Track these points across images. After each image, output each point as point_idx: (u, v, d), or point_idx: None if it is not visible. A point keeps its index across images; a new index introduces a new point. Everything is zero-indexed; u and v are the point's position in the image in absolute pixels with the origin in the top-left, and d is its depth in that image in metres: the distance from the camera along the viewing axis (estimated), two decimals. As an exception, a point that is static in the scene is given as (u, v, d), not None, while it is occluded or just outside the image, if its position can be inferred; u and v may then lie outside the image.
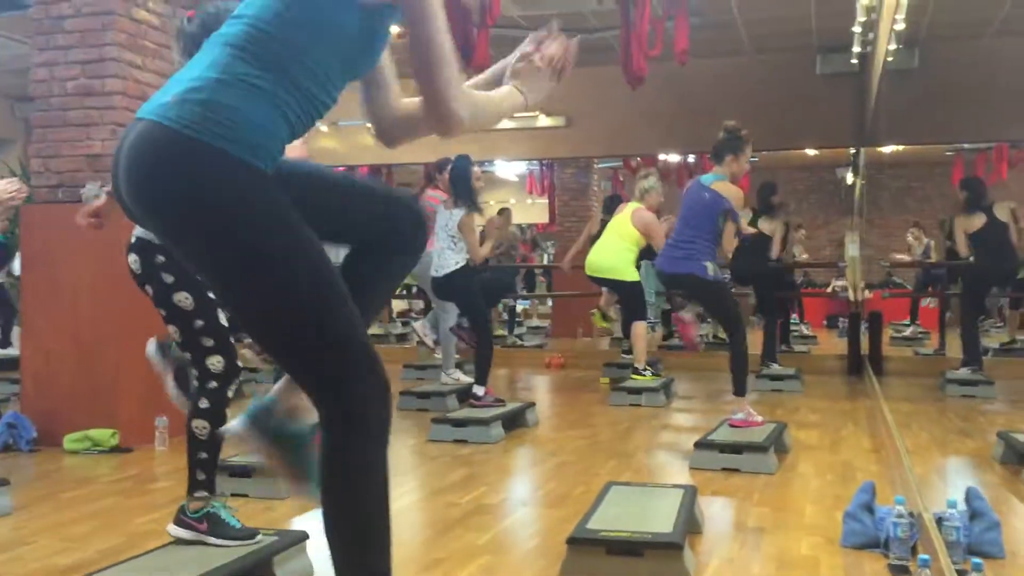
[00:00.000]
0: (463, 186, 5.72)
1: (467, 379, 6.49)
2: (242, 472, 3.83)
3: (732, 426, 4.82)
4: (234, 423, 1.76)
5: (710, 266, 4.92)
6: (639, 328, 6.97)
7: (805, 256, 12.88)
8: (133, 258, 2.91)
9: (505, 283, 6.37)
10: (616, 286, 7.15)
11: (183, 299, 2.82)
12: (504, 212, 11.79)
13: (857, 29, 7.24)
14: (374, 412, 1.63)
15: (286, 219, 1.61)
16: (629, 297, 7.14)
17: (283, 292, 1.58)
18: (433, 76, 1.64)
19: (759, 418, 4.90)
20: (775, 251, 8.05)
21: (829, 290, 11.96)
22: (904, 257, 12.12)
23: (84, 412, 4.85)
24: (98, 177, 5.01)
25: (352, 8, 1.65)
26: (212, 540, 2.79)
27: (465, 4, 6.24)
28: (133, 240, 2.93)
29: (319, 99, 1.68)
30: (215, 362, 2.85)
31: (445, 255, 5.78)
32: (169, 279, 2.83)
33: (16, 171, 10.73)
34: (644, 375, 6.84)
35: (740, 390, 4.99)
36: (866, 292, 9.20)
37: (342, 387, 1.61)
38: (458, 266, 5.75)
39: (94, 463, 4.59)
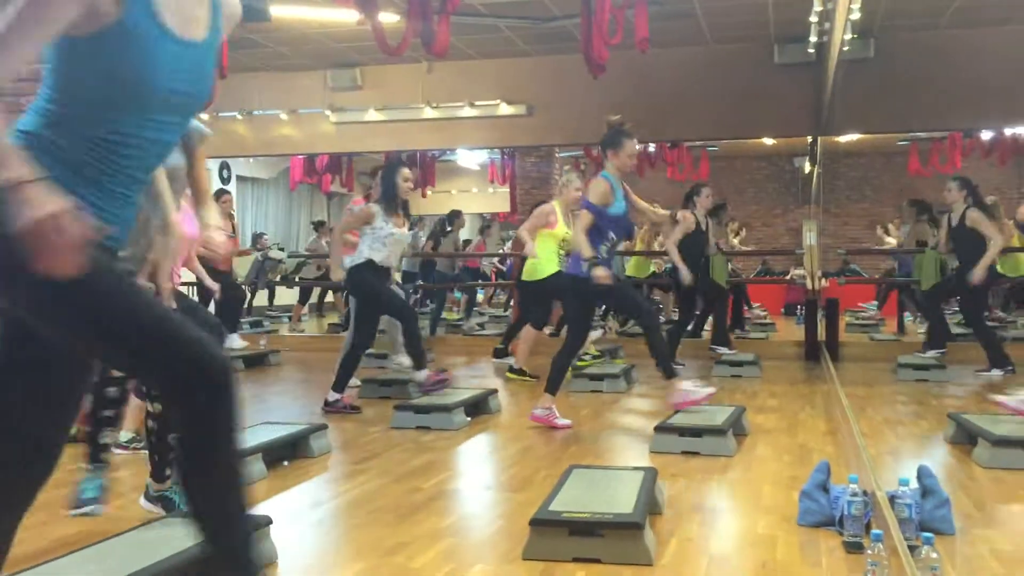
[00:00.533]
0: (385, 186, 5.69)
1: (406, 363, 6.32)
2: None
3: (678, 408, 4.90)
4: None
5: (585, 264, 4.92)
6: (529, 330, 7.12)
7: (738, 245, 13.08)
8: None
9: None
10: (541, 287, 6.91)
11: None
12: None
13: (814, 19, 7.33)
14: (195, 388, 1.74)
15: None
16: (554, 290, 6.89)
17: (89, 318, 1.70)
18: None
19: (696, 395, 4.95)
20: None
21: (788, 278, 12.11)
22: (892, 240, 12.35)
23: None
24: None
25: None
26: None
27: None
28: None
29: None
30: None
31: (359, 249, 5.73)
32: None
33: None
34: (585, 359, 6.95)
35: (667, 372, 4.99)
36: (823, 280, 9.34)
37: (168, 373, 1.75)
38: (361, 260, 5.65)
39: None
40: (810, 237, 10.33)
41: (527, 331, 7.22)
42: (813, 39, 7.73)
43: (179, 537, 2.68)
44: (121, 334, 1.71)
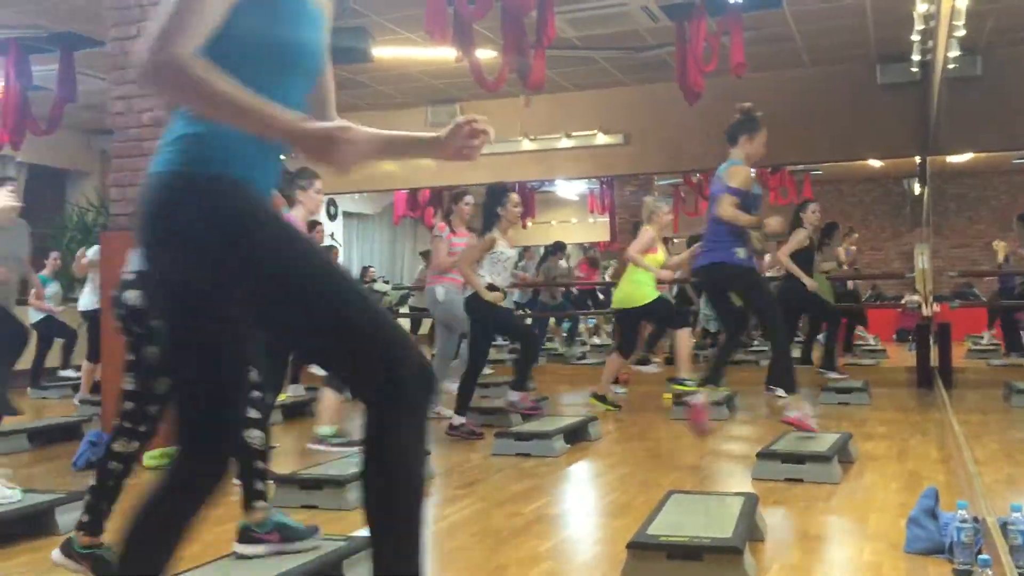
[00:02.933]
0: (486, 212, 5.84)
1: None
2: (313, 484, 3.96)
3: (784, 422, 4.82)
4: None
5: (740, 251, 4.82)
6: (681, 336, 6.75)
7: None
8: (135, 293, 2.83)
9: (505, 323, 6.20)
10: (638, 314, 6.90)
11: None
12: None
13: (916, 37, 7.18)
14: (407, 394, 1.67)
15: (274, 221, 1.72)
16: (655, 316, 6.96)
17: (297, 298, 1.66)
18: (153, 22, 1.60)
19: (812, 423, 4.85)
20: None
21: (903, 302, 11.74)
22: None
23: (161, 431, 5.02)
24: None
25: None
26: (290, 548, 2.87)
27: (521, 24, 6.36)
28: (132, 277, 2.86)
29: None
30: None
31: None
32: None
33: (93, 201, 11.20)
34: (687, 384, 6.73)
35: (789, 387, 4.92)
36: (934, 305, 9.03)
37: (377, 373, 1.67)
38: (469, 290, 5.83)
39: (171, 478, 4.76)
40: (922, 260, 10.02)
41: (681, 337, 6.87)
42: (916, 57, 7.56)
43: (294, 554, 2.81)
44: (334, 325, 1.69)
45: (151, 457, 5.00)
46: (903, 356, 10.71)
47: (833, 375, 7.96)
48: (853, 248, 11.60)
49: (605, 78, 9.72)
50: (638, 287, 6.71)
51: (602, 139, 10.10)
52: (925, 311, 8.95)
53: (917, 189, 12.50)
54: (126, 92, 5.36)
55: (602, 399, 7.03)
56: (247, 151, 1.70)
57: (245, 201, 1.69)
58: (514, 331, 6.24)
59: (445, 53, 7.07)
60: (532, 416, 5.76)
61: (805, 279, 7.42)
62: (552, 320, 12.44)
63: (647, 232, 6.79)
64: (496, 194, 5.89)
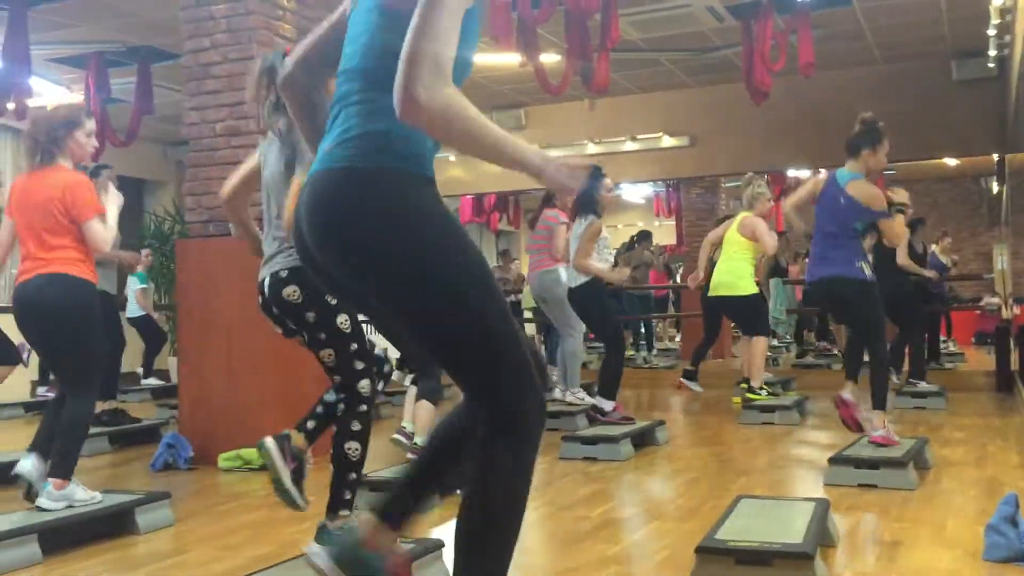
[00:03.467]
0: (585, 197, 5.80)
1: (590, 400, 6.42)
2: (382, 487, 4.00)
3: (873, 443, 4.65)
4: (316, 552, 1.79)
5: (865, 267, 4.66)
6: (759, 343, 6.72)
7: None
8: (292, 288, 2.93)
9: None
10: (734, 303, 6.83)
11: (343, 321, 2.95)
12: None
13: (992, 32, 6.98)
14: (528, 424, 1.68)
15: (454, 224, 1.73)
16: (748, 311, 6.83)
17: (457, 298, 1.66)
18: (410, 43, 1.54)
19: (896, 437, 4.70)
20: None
21: (982, 304, 11.37)
22: None
23: (236, 433, 5.15)
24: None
25: None
26: None
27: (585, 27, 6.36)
28: (286, 272, 2.96)
29: None
30: (364, 385, 2.99)
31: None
32: (333, 301, 2.91)
33: (170, 210, 11.52)
34: (759, 393, 6.63)
35: (879, 403, 4.76)
36: (1014, 306, 8.75)
37: (503, 395, 1.67)
38: (588, 278, 5.85)
39: (245, 480, 4.88)
40: (1001, 261, 9.72)
41: (757, 343, 6.74)
42: (993, 52, 7.35)
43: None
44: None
45: (225, 459, 5.13)
46: (982, 360, 10.41)
47: (924, 385, 7.32)
48: (955, 257, 11.21)
49: (670, 80, 9.65)
50: (740, 277, 6.66)
51: (667, 141, 10.04)
52: (1005, 313, 8.68)
53: (995, 188, 12.15)
54: (200, 104, 5.51)
55: (756, 390, 6.72)
56: (426, 148, 1.74)
57: (431, 194, 1.73)
58: (610, 331, 6.16)
59: (509, 58, 7.11)
60: (619, 422, 5.70)
61: (928, 272, 7.08)
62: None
63: (760, 222, 6.64)
64: (591, 177, 5.83)
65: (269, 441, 2.90)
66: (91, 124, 3.92)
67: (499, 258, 13.81)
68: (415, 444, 5.04)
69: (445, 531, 3.50)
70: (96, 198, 3.77)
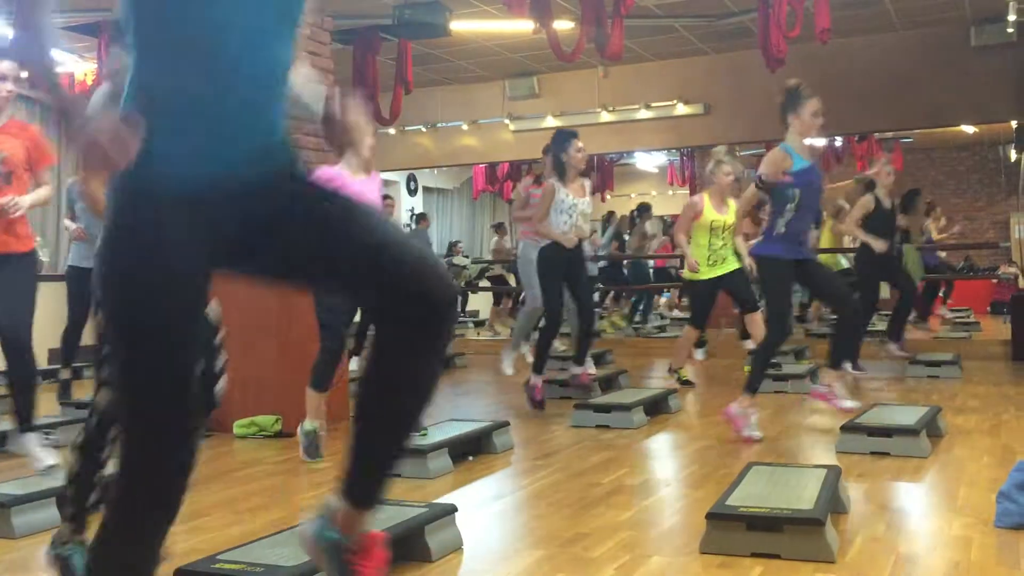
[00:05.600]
0: (555, 161, 5.66)
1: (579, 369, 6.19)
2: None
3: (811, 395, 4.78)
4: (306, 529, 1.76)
5: (771, 242, 4.66)
6: (687, 332, 6.70)
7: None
8: None
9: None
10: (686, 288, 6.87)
11: None
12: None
13: (1012, -4, 6.87)
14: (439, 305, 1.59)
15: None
16: (690, 298, 6.78)
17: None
18: None
19: (750, 433, 4.62)
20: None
21: (998, 273, 11.32)
22: None
23: (251, 400, 5.19)
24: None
25: None
26: None
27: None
28: None
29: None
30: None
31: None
32: None
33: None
34: (673, 375, 6.72)
35: (752, 386, 4.69)
36: (1031, 274, 8.71)
37: (411, 285, 1.58)
38: (542, 242, 5.72)
39: (260, 446, 4.93)
40: (1018, 230, 9.67)
41: (687, 331, 6.79)
42: (1012, 17, 7.24)
43: (377, 519, 2.88)
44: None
45: (240, 426, 5.18)
46: (998, 329, 10.35)
47: (893, 348, 7.31)
48: (956, 228, 11.14)
49: (685, 47, 9.56)
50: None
51: (682, 109, 9.96)
52: (1021, 282, 8.64)
53: (1013, 155, 12.03)
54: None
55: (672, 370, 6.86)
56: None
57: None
58: (550, 305, 5.77)
59: (522, 25, 7.05)
60: (579, 388, 5.78)
61: (875, 243, 6.80)
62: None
63: (691, 200, 6.60)
64: (558, 140, 5.70)
65: None
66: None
67: (495, 231, 13.68)
68: None
69: (457, 498, 3.53)
70: None
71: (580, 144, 5.69)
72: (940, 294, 10.63)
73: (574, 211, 5.63)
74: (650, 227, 11.76)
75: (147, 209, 1.51)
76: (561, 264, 5.63)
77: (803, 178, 4.66)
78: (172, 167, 1.51)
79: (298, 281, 1.78)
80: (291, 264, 1.66)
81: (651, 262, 12.14)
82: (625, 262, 11.41)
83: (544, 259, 5.70)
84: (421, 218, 13.24)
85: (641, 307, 11.12)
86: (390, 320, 1.63)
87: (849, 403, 4.84)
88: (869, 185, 7.14)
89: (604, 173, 13.69)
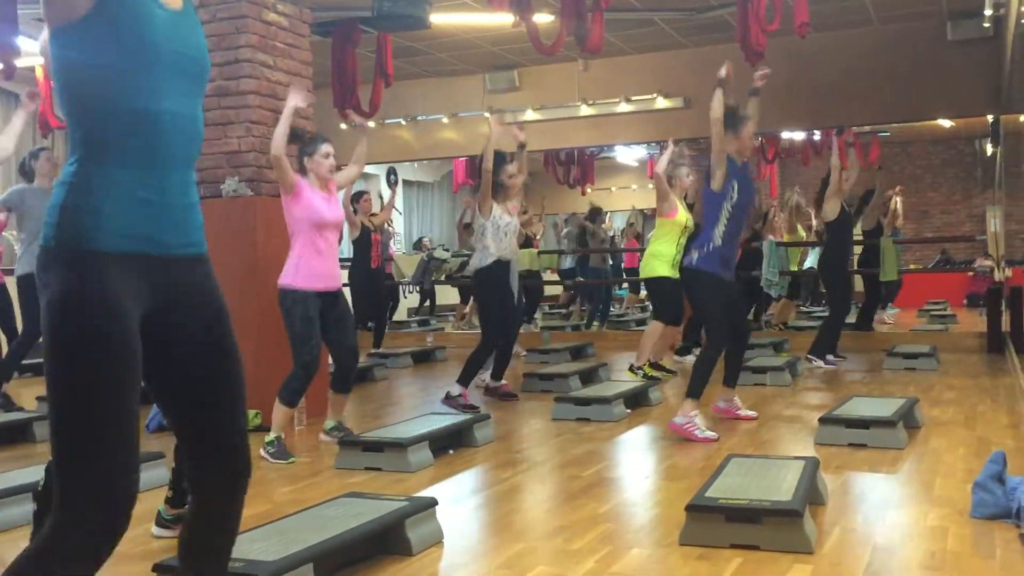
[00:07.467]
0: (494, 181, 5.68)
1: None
2: (375, 447, 4.03)
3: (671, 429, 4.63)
4: None
5: (697, 254, 4.72)
6: (653, 325, 6.77)
7: None
8: None
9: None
10: (647, 285, 6.93)
11: None
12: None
13: (989, -9, 6.92)
14: (69, 539, 1.60)
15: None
16: (655, 293, 6.82)
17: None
18: None
19: (700, 434, 4.54)
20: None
21: (974, 266, 11.40)
22: None
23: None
24: (236, 173, 5.33)
25: None
26: None
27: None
28: None
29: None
30: None
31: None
32: None
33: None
34: (636, 373, 6.69)
35: (694, 391, 4.64)
36: (1006, 269, 8.79)
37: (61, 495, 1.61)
38: (487, 263, 5.66)
39: (239, 441, 4.89)
40: (994, 223, 9.74)
41: (653, 327, 6.82)
42: (988, 12, 7.29)
43: (358, 513, 2.88)
44: None
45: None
46: (973, 321, 10.46)
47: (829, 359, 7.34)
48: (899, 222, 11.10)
49: (664, 40, 9.57)
50: (654, 258, 6.58)
51: (662, 103, 9.96)
52: (997, 275, 8.72)
53: (989, 149, 12.12)
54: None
55: (659, 367, 6.87)
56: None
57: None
58: (490, 321, 5.86)
59: (503, 18, 7.02)
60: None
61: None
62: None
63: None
64: (496, 163, 5.67)
65: None
66: None
67: (466, 230, 13.62)
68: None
69: (438, 491, 3.53)
70: None
71: (512, 169, 5.72)
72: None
73: (510, 230, 5.67)
74: (603, 231, 11.77)
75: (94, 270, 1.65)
76: (499, 285, 5.67)
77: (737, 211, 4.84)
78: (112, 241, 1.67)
79: (149, 379, 1.82)
80: (154, 364, 1.78)
81: (610, 265, 12.19)
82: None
83: (483, 282, 5.72)
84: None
85: (599, 312, 11.07)
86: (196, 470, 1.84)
87: (710, 434, 4.56)
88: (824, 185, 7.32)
89: (584, 167, 13.69)
